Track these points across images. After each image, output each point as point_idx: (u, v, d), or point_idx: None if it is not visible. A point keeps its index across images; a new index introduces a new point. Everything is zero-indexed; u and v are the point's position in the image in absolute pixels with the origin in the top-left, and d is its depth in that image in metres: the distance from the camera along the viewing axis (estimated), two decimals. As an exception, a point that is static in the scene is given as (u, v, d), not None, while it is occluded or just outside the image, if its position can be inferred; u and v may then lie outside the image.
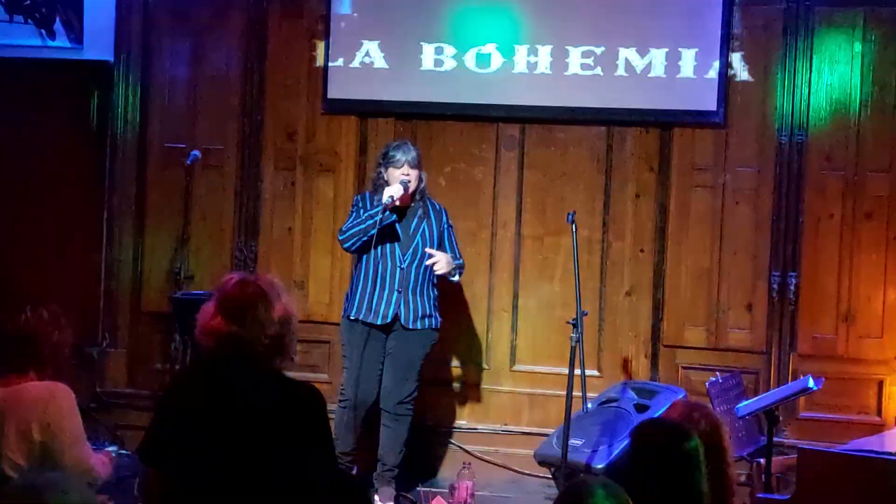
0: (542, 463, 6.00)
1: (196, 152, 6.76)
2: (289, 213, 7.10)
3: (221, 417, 3.30)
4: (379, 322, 5.94)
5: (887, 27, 6.51)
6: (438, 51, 6.87)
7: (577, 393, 5.67)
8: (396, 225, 5.97)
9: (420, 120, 6.97)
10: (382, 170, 6.00)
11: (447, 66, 6.87)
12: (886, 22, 6.51)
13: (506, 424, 6.86)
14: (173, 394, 3.50)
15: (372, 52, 6.94)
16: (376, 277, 5.95)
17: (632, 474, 3.26)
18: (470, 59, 6.84)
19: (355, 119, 7.04)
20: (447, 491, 5.82)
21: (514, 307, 6.91)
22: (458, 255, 6.09)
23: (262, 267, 7.02)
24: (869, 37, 6.51)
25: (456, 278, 6.06)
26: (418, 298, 5.98)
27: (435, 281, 6.07)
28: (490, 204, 6.93)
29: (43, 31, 7.28)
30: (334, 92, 7.00)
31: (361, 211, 5.96)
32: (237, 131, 7.14)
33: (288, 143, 7.10)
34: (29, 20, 7.25)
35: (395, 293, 5.94)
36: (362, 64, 6.95)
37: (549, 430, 6.18)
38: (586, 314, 5.79)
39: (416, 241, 5.99)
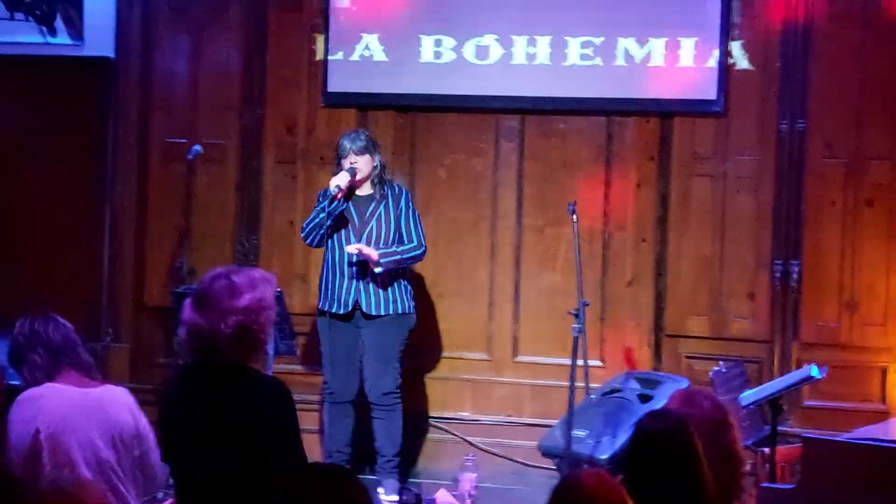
0: (545, 454, 6.00)
1: (197, 147, 6.76)
2: (290, 206, 7.10)
3: (194, 415, 3.34)
4: (341, 311, 5.97)
5: (888, 13, 6.48)
6: (437, 43, 6.87)
7: (579, 383, 5.68)
8: (352, 211, 6.01)
9: (419, 112, 6.98)
10: (338, 159, 6.09)
11: (446, 59, 6.87)
12: (887, 8, 6.48)
13: (509, 416, 6.87)
14: (165, 391, 3.61)
15: (371, 45, 6.94)
16: (335, 266, 6.01)
17: (632, 466, 3.27)
18: (469, 51, 6.83)
19: (355, 112, 7.04)
20: (450, 483, 5.82)
21: (516, 298, 6.91)
22: (413, 240, 6.04)
23: (263, 261, 7.03)
24: (869, 23, 6.49)
25: (378, 270, 5.94)
26: (379, 285, 5.98)
27: (401, 268, 6.06)
28: (490, 195, 6.93)
29: (44, 28, 7.29)
30: (334, 85, 7.00)
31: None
32: (238, 125, 7.15)
33: (288, 136, 7.11)
34: (30, 17, 7.26)
35: (355, 280, 5.97)
36: (362, 57, 6.96)
37: (553, 422, 6.17)
38: (588, 304, 5.79)
39: (370, 227, 6.00)
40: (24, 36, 7.30)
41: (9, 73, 7.39)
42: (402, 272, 6.07)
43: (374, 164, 6.06)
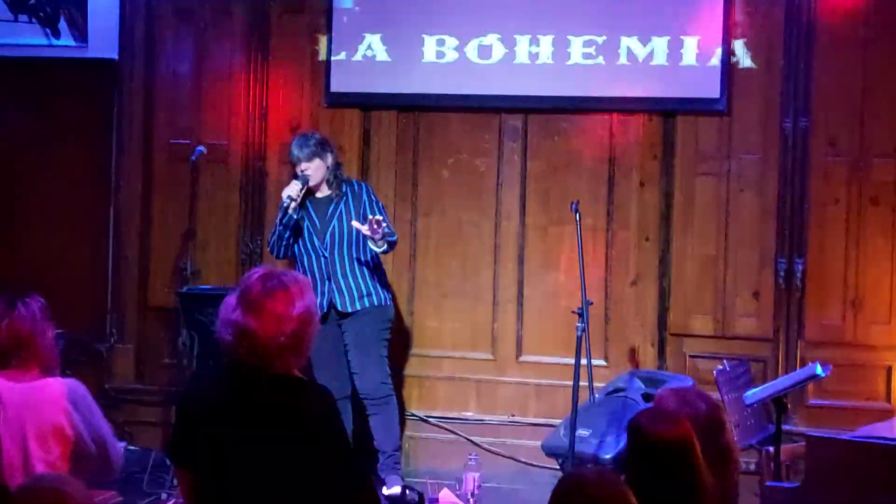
0: (549, 454, 5.99)
1: (201, 147, 6.78)
2: (294, 207, 7.10)
3: (238, 417, 3.24)
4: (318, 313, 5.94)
5: (891, 10, 6.47)
6: (440, 42, 6.87)
7: (583, 383, 5.67)
8: (313, 214, 6.03)
9: (423, 112, 6.98)
10: (292, 168, 6.12)
11: (449, 58, 6.87)
12: (890, 5, 6.47)
13: (513, 415, 6.86)
14: (194, 391, 3.49)
15: (374, 45, 6.94)
16: (305, 271, 6.00)
17: (633, 467, 3.26)
18: (472, 51, 6.83)
19: (358, 112, 7.05)
20: (454, 482, 5.81)
21: (520, 298, 6.90)
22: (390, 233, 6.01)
23: (267, 262, 7.02)
24: (872, 20, 6.48)
25: (382, 248, 5.92)
26: (350, 281, 6.00)
27: (370, 260, 6.05)
28: (493, 195, 6.93)
29: (48, 30, 7.31)
30: (337, 85, 7.00)
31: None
32: (241, 126, 7.16)
33: (292, 136, 7.07)
34: (34, 19, 7.28)
35: (326, 282, 5.98)
36: (364, 57, 6.96)
37: (557, 421, 6.16)
38: (591, 304, 5.78)
39: (331, 226, 6.01)
40: (27, 38, 7.32)
41: (13, 74, 7.41)
42: (374, 266, 6.08)
43: (327, 166, 6.06)
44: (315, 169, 6.03)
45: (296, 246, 6.07)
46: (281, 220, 5.97)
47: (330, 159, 6.08)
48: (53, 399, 3.91)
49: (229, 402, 3.27)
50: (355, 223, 5.90)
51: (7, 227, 7.39)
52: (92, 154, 7.39)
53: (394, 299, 6.32)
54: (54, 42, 7.32)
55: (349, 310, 5.99)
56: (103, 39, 7.30)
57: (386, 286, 6.16)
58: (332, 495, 3.21)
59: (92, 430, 3.96)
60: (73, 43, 7.33)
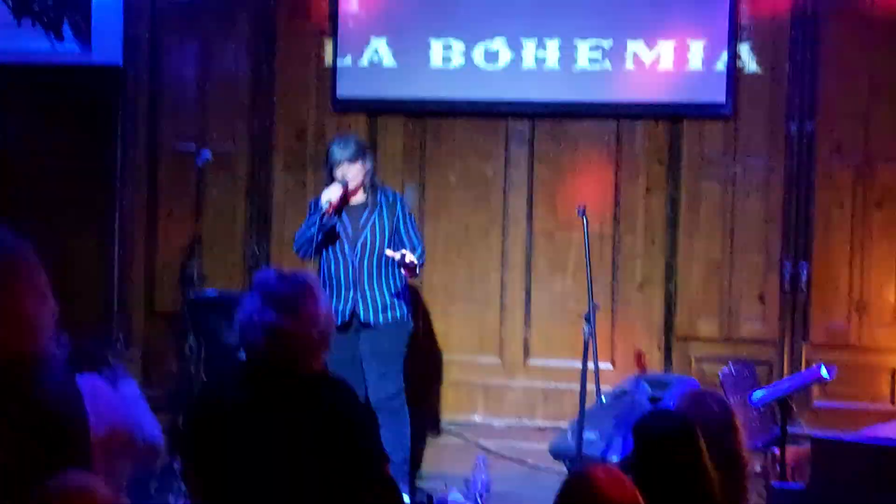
0: (556, 457, 6.00)
1: (206, 153, 6.77)
2: (300, 213, 7.05)
3: (260, 421, 3.23)
4: (339, 321, 5.87)
5: (895, 14, 6.50)
6: (447, 47, 6.88)
7: (590, 386, 5.69)
8: (345, 220, 5.92)
9: (429, 117, 6.99)
10: (328, 167, 5.96)
11: (456, 63, 6.88)
12: (894, 8, 6.50)
13: (520, 419, 6.88)
14: (210, 393, 3.50)
15: (380, 50, 6.96)
16: (331, 277, 5.92)
17: (639, 469, 3.27)
18: (478, 55, 6.85)
19: (364, 118, 7.06)
20: (462, 486, 5.82)
21: (527, 302, 6.92)
22: (416, 245, 5.94)
23: (274, 265, 7.04)
24: (877, 25, 6.50)
25: (416, 274, 5.94)
26: (376, 292, 5.91)
27: (397, 273, 5.96)
28: (501, 200, 6.94)
29: (51, 35, 7.31)
30: (343, 91, 7.01)
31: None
32: (247, 132, 7.16)
33: (298, 142, 7.13)
34: (37, 24, 7.28)
35: (351, 290, 5.89)
36: (371, 62, 6.97)
37: (564, 424, 6.18)
38: (599, 308, 5.79)
39: (364, 235, 5.90)
40: (31, 43, 7.31)
41: (16, 80, 7.38)
42: (399, 281, 6.00)
43: (366, 170, 5.94)
44: (356, 172, 5.89)
45: (326, 253, 5.97)
46: (317, 223, 5.82)
47: (368, 164, 5.97)
48: None
49: (251, 404, 3.26)
50: (388, 251, 5.80)
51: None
52: (97, 160, 7.38)
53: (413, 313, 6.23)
54: (58, 47, 7.32)
55: (371, 321, 5.91)
56: (107, 45, 7.29)
57: (408, 301, 6.07)
58: (356, 493, 3.22)
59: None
60: (76, 48, 7.33)
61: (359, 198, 5.97)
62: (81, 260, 7.32)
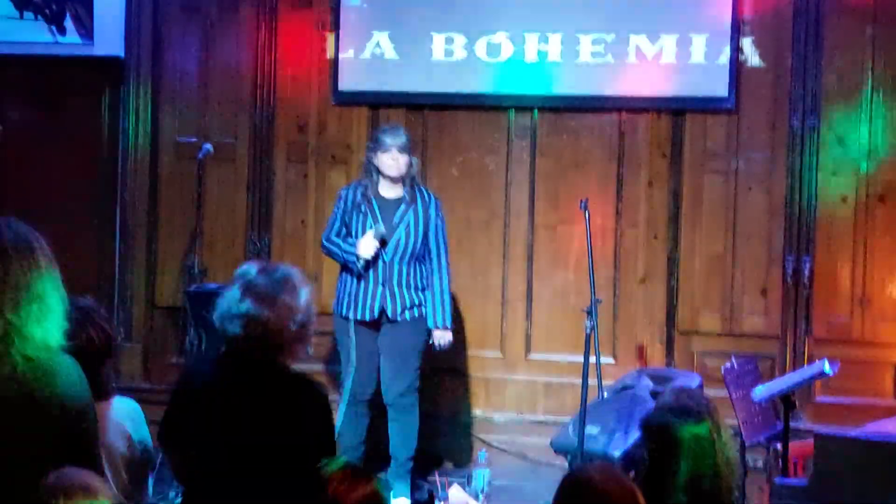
0: (558, 451, 5.99)
1: (207, 146, 6.76)
2: (301, 205, 7.11)
3: (233, 409, 3.32)
4: (367, 318, 5.90)
5: (898, 9, 6.50)
6: (449, 40, 6.87)
7: (592, 381, 5.68)
8: (378, 214, 5.88)
9: (431, 110, 6.97)
10: (372, 155, 5.92)
11: (458, 56, 6.87)
12: (897, 4, 6.50)
13: (521, 413, 6.87)
14: (189, 382, 3.54)
15: (382, 43, 6.94)
16: (361, 273, 5.91)
17: (652, 464, 3.25)
18: (481, 49, 6.83)
19: (366, 110, 7.05)
20: (464, 479, 5.82)
21: (529, 296, 6.92)
22: (443, 257, 5.96)
23: (275, 260, 7.03)
24: (880, 18, 6.49)
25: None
26: (405, 290, 5.90)
27: (424, 273, 5.98)
28: (503, 193, 6.94)
29: (53, 27, 7.29)
30: (345, 83, 7.00)
31: (339, 213, 5.97)
32: (249, 124, 7.15)
33: (299, 135, 7.12)
34: (39, 16, 7.28)
35: (380, 287, 5.88)
36: (373, 55, 6.96)
37: (565, 419, 6.15)
38: (600, 302, 5.78)
39: (398, 234, 5.88)
40: (33, 35, 7.30)
41: (18, 72, 7.39)
42: (425, 278, 5.98)
43: (411, 164, 5.91)
44: (404, 164, 5.86)
45: None
46: (352, 261, 5.84)
47: (413, 158, 5.95)
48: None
49: (223, 391, 3.36)
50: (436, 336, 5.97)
51: (13, 226, 7.37)
52: (98, 152, 7.38)
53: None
54: (60, 39, 7.31)
55: (399, 319, 5.90)
56: (109, 37, 7.28)
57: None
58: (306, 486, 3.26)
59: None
60: (78, 40, 7.31)
61: (395, 192, 5.94)
62: (82, 253, 7.30)
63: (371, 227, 5.85)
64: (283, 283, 3.34)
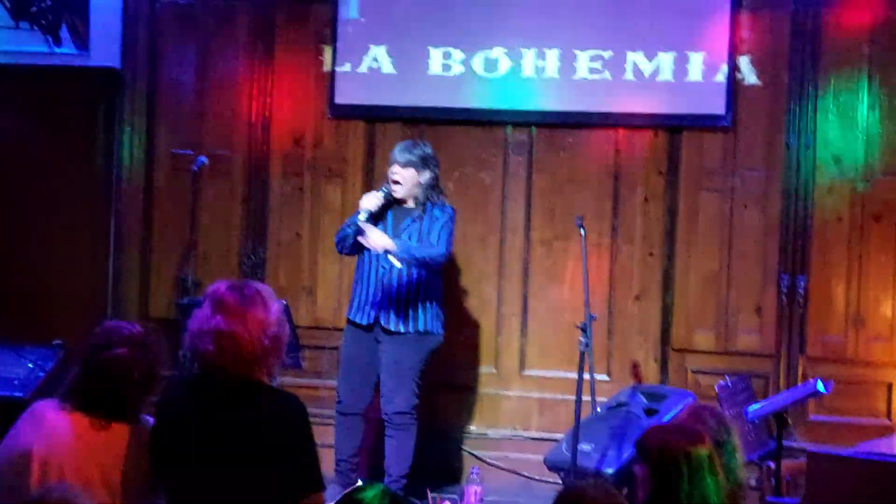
0: (551, 468, 5.98)
1: (202, 158, 6.74)
2: (297, 218, 7.10)
3: (207, 427, 3.31)
4: (363, 322, 5.91)
5: (895, 29, 6.50)
6: (446, 55, 6.87)
7: (586, 397, 5.67)
8: (389, 221, 5.92)
9: (428, 125, 6.95)
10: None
11: (455, 71, 6.87)
12: (895, 24, 6.50)
13: (515, 429, 6.86)
14: (166, 399, 3.53)
15: (379, 57, 6.94)
16: (364, 277, 5.95)
17: (646, 483, 3.24)
18: (478, 64, 6.84)
19: (363, 124, 7.04)
20: (456, 496, 5.81)
21: (524, 312, 6.90)
22: (434, 242, 5.87)
23: (270, 273, 7.03)
24: (878, 39, 6.51)
25: (399, 265, 5.83)
26: (402, 300, 5.89)
27: (429, 285, 5.95)
28: (499, 208, 6.93)
29: (49, 38, 7.29)
30: (341, 97, 6.99)
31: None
32: (244, 137, 7.14)
33: (295, 148, 7.11)
34: (35, 26, 7.27)
35: (378, 294, 5.89)
36: (370, 69, 6.96)
37: (559, 435, 6.16)
38: (595, 318, 5.78)
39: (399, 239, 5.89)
40: (28, 45, 7.29)
41: (13, 82, 7.35)
42: (431, 292, 5.95)
43: (420, 182, 5.90)
44: (408, 179, 5.89)
45: (363, 252, 5.95)
46: (349, 223, 5.89)
47: (427, 176, 5.91)
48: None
49: (197, 410, 3.34)
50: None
51: (7, 236, 7.34)
52: (93, 163, 7.36)
53: (444, 328, 6.12)
54: (55, 50, 7.30)
55: (392, 329, 5.88)
56: (105, 47, 7.28)
57: (436, 315, 6.00)
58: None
59: None
60: (74, 51, 7.30)
61: (409, 204, 5.96)
62: (76, 264, 7.29)
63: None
64: (252, 298, 3.34)
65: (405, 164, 5.90)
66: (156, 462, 3.43)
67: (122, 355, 3.58)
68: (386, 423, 5.98)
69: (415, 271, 5.90)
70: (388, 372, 5.93)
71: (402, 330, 5.90)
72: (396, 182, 5.91)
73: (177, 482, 3.38)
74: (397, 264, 5.82)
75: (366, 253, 5.95)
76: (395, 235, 5.88)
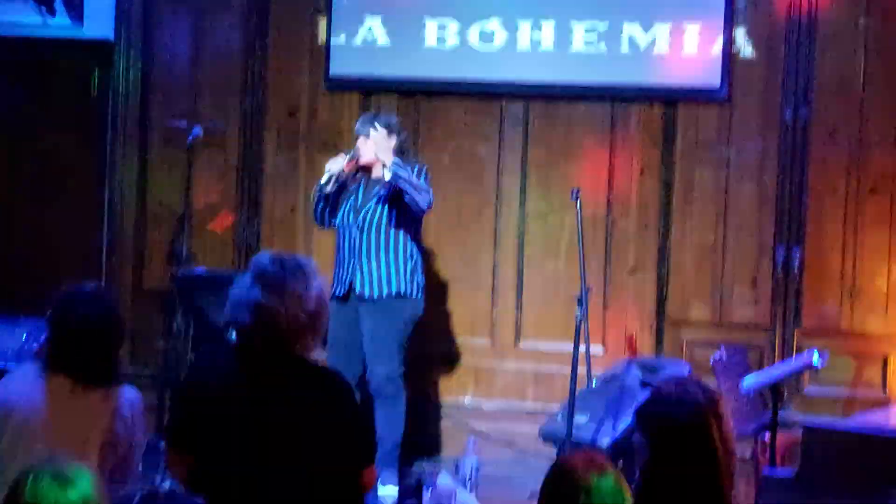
0: (546, 440, 5.99)
1: (197, 129, 6.72)
2: (292, 192, 7.08)
3: (252, 400, 3.24)
4: (340, 293, 5.87)
5: (891, 1, 6.49)
6: (441, 27, 6.84)
7: (581, 369, 5.68)
8: (360, 190, 5.93)
9: (423, 97, 6.94)
10: None
11: (450, 43, 6.84)
12: (890, -5, 6.50)
13: (510, 402, 6.87)
14: (201, 373, 3.48)
15: (374, 29, 6.91)
16: (338, 248, 5.95)
17: (651, 455, 3.23)
18: (473, 36, 6.81)
19: (358, 96, 7.02)
20: (452, 467, 5.81)
21: (519, 284, 6.90)
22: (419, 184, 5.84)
23: (264, 246, 7.01)
24: (873, 10, 6.49)
25: (387, 176, 5.76)
26: (373, 263, 5.84)
27: (405, 248, 5.90)
28: (494, 181, 6.92)
29: (43, 9, 7.25)
30: (336, 69, 6.97)
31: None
32: (239, 109, 7.12)
33: (290, 120, 7.09)
34: (29, -2, 7.23)
35: (353, 260, 5.87)
36: (364, 41, 6.93)
37: (554, 408, 6.17)
38: (590, 291, 5.78)
39: (368, 205, 5.88)
40: (22, 16, 7.26)
41: (7, 54, 7.33)
42: (407, 255, 5.92)
43: (386, 147, 5.87)
44: (369, 147, 5.89)
45: (338, 223, 5.96)
46: (317, 188, 5.91)
47: (392, 143, 5.91)
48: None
49: (243, 385, 3.27)
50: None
51: (1, 209, 7.35)
52: (87, 135, 7.35)
53: (425, 295, 6.05)
54: (49, 21, 7.26)
55: (366, 294, 5.84)
56: (100, 19, 7.25)
57: (415, 279, 5.93)
58: (336, 480, 3.22)
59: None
60: (68, 22, 7.27)
61: (377, 173, 5.92)
62: (70, 235, 7.29)
63: (350, 203, 5.90)
64: (294, 272, 3.27)
65: (369, 135, 5.90)
66: (187, 446, 3.31)
67: (87, 314, 3.66)
68: (373, 394, 5.95)
69: (391, 236, 5.87)
70: (370, 342, 5.88)
71: (375, 294, 5.84)
72: (357, 155, 5.90)
73: (214, 456, 3.25)
74: (387, 175, 5.74)
75: (341, 223, 5.93)
76: (363, 203, 5.88)
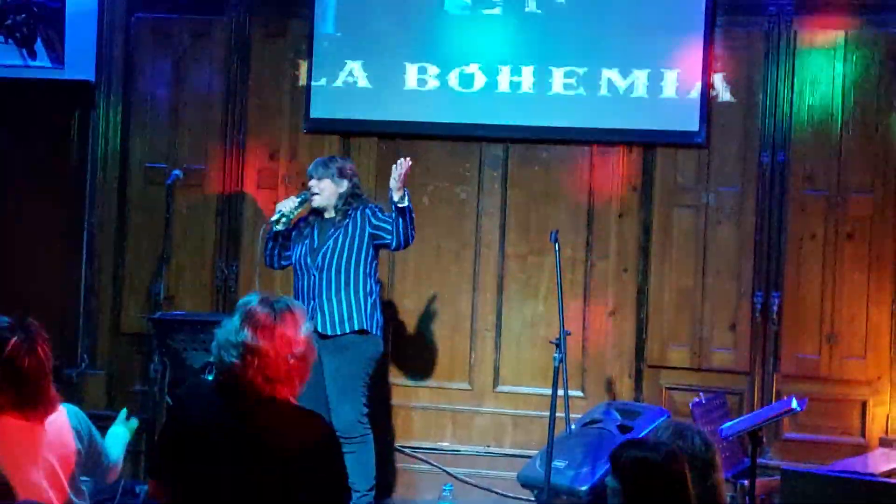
0: (525, 485, 5.96)
1: (177, 171, 6.73)
2: (271, 233, 7.06)
3: (236, 440, 3.23)
4: None
5: (868, 49, 6.54)
6: (422, 70, 6.87)
7: (560, 414, 5.65)
8: (315, 232, 5.97)
9: (403, 139, 6.94)
10: None
11: (430, 86, 6.87)
12: (867, 44, 6.54)
13: (489, 446, 6.83)
14: (181, 409, 3.47)
15: (355, 72, 6.94)
16: (298, 288, 5.97)
17: (622, 498, 3.22)
18: (453, 79, 6.84)
19: (338, 138, 7.03)
20: (429, 513, 5.78)
21: (498, 327, 6.89)
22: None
23: (243, 288, 6.98)
24: (850, 57, 6.54)
25: (403, 201, 5.80)
26: (334, 302, 5.86)
27: (363, 286, 5.91)
28: (473, 223, 6.92)
29: (24, 51, 7.25)
30: (317, 111, 6.99)
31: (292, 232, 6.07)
32: (219, 151, 7.12)
33: (270, 162, 7.09)
34: (10, 40, 7.24)
35: (311, 301, 5.88)
36: (345, 83, 6.95)
37: (533, 452, 6.14)
38: (569, 334, 5.77)
39: (326, 245, 5.90)
40: (3, 58, 7.26)
41: (-13, 95, 7.34)
42: (366, 293, 5.92)
43: (339, 192, 5.96)
44: (322, 189, 5.96)
45: (295, 265, 5.99)
46: (266, 229, 5.97)
47: (345, 186, 5.97)
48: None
49: (226, 421, 3.26)
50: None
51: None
52: (67, 176, 7.32)
53: (384, 332, 6.10)
54: (30, 63, 7.27)
55: (328, 332, 5.83)
56: (80, 61, 7.27)
57: (374, 316, 5.95)
58: None
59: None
60: (49, 64, 7.28)
61: (329, 213, 6.00)
62: (48, 277, 7.24)
63: (306, 245, 5.95)
64: (283, 314, 3.29)
65: (321, 178, 5.97)
66: (168, 476, 3.32)
67: (16, 344, 3.70)
68: (341, 440, 5.86)
69: (349, 275, 5.89)
70: (332, 384, 5.86)
71: (338, 331, 5.85)
72: (315, 194, 5.98)
73: (195, 491, 3.26)
74: (404, 201, 5.79)
75: (296, 266, 5.98)
76: (320, 245, 5.92)
